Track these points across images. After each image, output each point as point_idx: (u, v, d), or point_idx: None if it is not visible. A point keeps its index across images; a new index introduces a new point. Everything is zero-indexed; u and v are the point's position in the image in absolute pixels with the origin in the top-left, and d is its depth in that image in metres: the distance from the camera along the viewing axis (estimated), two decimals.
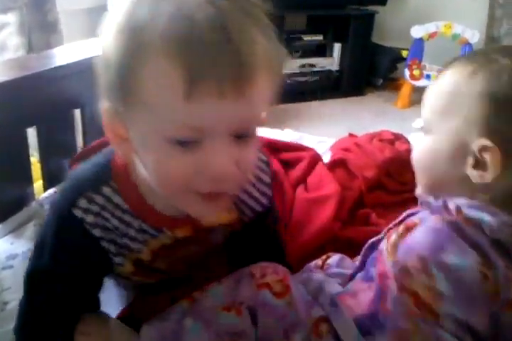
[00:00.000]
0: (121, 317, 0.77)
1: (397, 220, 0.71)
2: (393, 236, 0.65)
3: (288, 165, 1.28)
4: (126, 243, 0.66)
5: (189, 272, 0.80)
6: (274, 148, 1.32)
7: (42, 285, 0.66)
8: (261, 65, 0.50)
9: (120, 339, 0.69)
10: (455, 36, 2.96)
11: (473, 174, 0.61)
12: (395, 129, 2.64)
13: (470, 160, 0.61)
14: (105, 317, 0.71)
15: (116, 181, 0.63)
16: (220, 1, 0.49)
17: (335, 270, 0.81)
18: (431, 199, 0.65)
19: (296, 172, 1.24)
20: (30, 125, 1.02)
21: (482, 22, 3.19)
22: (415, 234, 0.61)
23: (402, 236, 0.63)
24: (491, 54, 0.63)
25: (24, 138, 0.99)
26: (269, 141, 1.34)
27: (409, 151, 1.41)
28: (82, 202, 0.62)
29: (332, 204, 1.08)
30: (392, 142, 1.48)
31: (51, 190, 1.05)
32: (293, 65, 2.94)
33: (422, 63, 3.02)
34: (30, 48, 1.54)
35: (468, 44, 2.97)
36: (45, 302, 0.66)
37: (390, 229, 0.71)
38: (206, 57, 0.46)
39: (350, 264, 0.84)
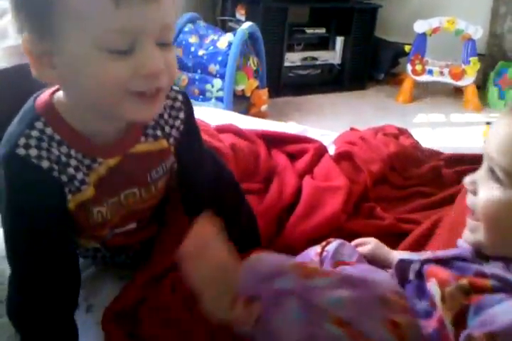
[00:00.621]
0: (114, 309, 0.76)
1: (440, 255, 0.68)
2: (452, 288, 0.60)
3: (293, 156, 1.27)
4: (72, 174, 0.69)
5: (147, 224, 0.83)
6: (279, 140, 1.30)
7: (21, 241, 0.68)
8: None
9: None
10: (458, 32, 2.94)
11: None
12: (397, 123, 2.60)
13: None
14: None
15: (44, 115, 0.68)
16: None
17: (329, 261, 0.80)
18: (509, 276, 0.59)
19: (301, 163, 1.24)
20: None
21: (485, 18, 3.17)
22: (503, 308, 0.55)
23: (468, 295, 0.58)
24: None
25: None
26: (273, 133, 1.33)
27: (413, 146, 1.42)
28: (21, 140, 0.66)
29: (341, 195, 1.08)
30: (396, 136, 1.47)
31: None
32: (295, 57, 2.92)
33: (425, 58, 3.00)
34: None
35: (471, 40, 2.95)
36: (30, 259, 0.68)
37: (428, 260, 0.67)
38: None
39: (351, 250, 0.84)
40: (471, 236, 0.66)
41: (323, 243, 0.85)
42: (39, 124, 0.67)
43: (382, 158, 1.30)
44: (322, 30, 2.99)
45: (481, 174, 0.64)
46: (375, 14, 3.04)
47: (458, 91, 3.12)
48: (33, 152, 0.65)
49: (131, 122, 0.72)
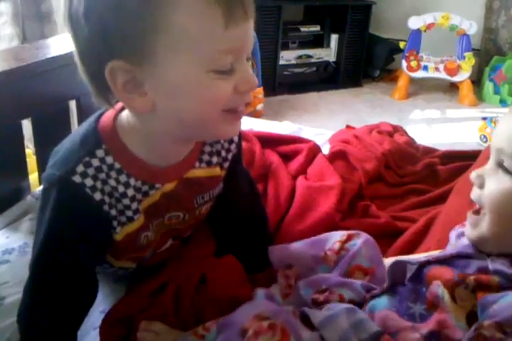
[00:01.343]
0: (115, 316, 0.76)
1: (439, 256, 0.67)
2: (461, 289, 0.60)
3: (287, 157, 1.27)
4: (127, 204, 0.67)
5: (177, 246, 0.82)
6: (272, 141, 1.31)
7: (46, 267, 0.67)
8: None
9: None
10: (453, 27, 2.95)
11: None
12: (393, 120, 2.63)
13: None
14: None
15: (107, 143, 0.65)
16: None
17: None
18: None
19: (295, 163, 1.23)
20: (25, 117, 1.00)
21: (479, 13, 3.18)
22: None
23: (474, 292, 0.58)
24: None
25: (19, 130, 0.97)
26: (266, 135, 1.33)
27: (408, 143, 1.42)
28: (80, 168, 0.63)
29: (334, 194, 1.07)
30: (391, 134, 1.47)
31: None
32: (290, 55, 2.92)
33: (420, 54, 3.01)
34: (24, 38, 1.52)
35: (466, 35, 2.96)
36: (50, 284, 0.67)
37: (427, 262, 0.66)
38: None
39: (373, 251, 0.80)
40: (473, 231, 0.65)
41: (344, 236, 0.82)
42: (100, 152, 0.65)
43: (376, 156, 1.30)
44: (316, 28, 2.99)
45: (488, 168, 0.64)
46: (369, 11, 3.04)
47: (453, 87, 3.13)
48: (89, 182, 0.63)
49: (208, 141, 0.74)
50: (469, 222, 0.66)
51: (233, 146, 0.79)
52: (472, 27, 2.93)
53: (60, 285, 0.67)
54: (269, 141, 1.30)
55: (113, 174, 0.65)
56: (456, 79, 3.02)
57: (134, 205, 0.68)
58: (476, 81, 3.17)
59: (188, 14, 0.55)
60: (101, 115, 0.68)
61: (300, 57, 2.96)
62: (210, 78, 0.58)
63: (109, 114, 0.68)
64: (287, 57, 2.91)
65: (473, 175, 0.65)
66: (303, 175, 1.17)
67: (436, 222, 1.04)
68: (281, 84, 2.92)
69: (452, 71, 3.00)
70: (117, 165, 0.65)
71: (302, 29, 2.94)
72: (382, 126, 1.55)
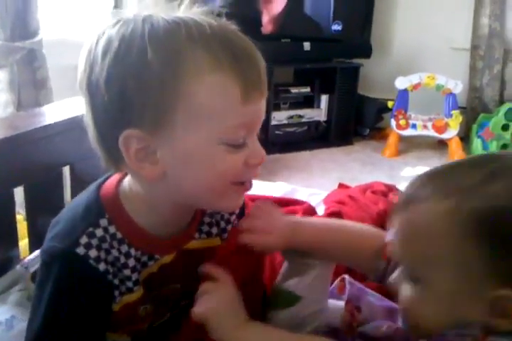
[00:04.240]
0: None
1: None
2: None
3: None
4: (127, 275, 0.65)
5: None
6: None
7: None
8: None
9: None
10: (439, 87, 3.03)
11: (498, 323, 0.51)
12: (384, 178, 2.66)
13: (485, 310, 0.51)
14: None
15: (110, 212, 0.65)
16: (226, 27, 0.61)
17: None
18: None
19: None
20: (18, 184, 0.99)
21: (464, 73, 3.28)
22: None
23: None
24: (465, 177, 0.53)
25: (11, 198, 0.96)
26: (260, 198, 1.33)
27: None
28: (83, 239, 0.62)
29: None
30: (385, 193, 1.47)
31: (37, 252, 1.00)
32: (282, 116, 2.98)
33: (408, 113, 3.08)
34: (19, 105, 1.54)
35: (452, 94, 3.04)
36: None
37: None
38: (250, 67, 0.59)
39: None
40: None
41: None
42: (104, 222, 0.64)
43: (371, 216, 1.29)
44: (307, 89, 3.07)
45: (395, 276, 0.61)
46: (357, 73, 3.14)
47: (442, 144, 3.18)
48: (93, 253, 0.62)
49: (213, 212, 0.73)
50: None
51: (233, 218, 0.77)
52: (458, 86, 3.02)
53: None
54: None
55: (115, 244, 0.64)
56: (444, 136, 3.07)
57: (135, 276, 0.66)
58: (465, 138, 3.22)
59: (210, 90, 0.57)
60: (102, 183, 0.68)
61: (291, 117, 3.02)
62: (222, 151, 0.60)
63: (111, 181, 0.68)
64: (279, 117, 2.97)
65: (391, 280, 0.62)
66: None
67: None
68: (273, 143, 2.95)
69: (440, 129, 3.06)
70: (119, 235, 0.65)
71: (293, 90, 3.01)
72: (375, 185, 1.55)
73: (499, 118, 3.09)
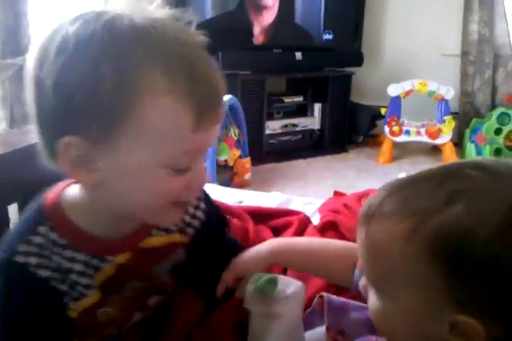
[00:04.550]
0: None
1: None
2: None
3: (278, 231, 1.26)
4: (75, 280, 0.65)
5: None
6: (263, 215, 1.30)
7: None
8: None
9: None
10: (430, 93, 3.05)
11: None
12: (379, 184, 2.65)
13: (446, 330, 0.50)
14: None
15: (51, 219, 0.64)
16: (191, 44, 0.57)
17: None
18: None
19: (286, 237, 1.22)
20: (12, 202, 0.99)
21: (455, 78, 3.31)
22: None
23: None
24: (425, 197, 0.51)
25: (5, 215, 0.96)
26: (257, 210, 1.33)
27: None
28: (22, 247, 0.62)
29: None
30: None
31: None
32: (275, 125, 2.99)
33: (401, 120, 3.10)
34: (12, 121, 1.55)
35: (444, 100, 3.06)
36: None
37: None
38: (207, 94, 0.56)
39: None
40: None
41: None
42: (43, 229, 0.63)
43: None
44: (300, 98, 3.09)
45: (364, 281, 0.60)
46: (350, 81, 3.16)
47: (436, 149, 3.19)
48: (33, 260, 0.62)
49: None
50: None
51: (199, 213, 0.77)
52: (449, 92, 3.04)
53: None
54: (260, 216, 1.29)
55: (58, 250, 0.63)
56: (438, 142, 3.09)
57: (84, 280, 0.65)
58: (458, 143, 3.24)
59: (161, 114, 0.55)
60: (46, 193, 0.67)
61: (285, 126, 3.04)
62: (164, 173, 0.58)
63: (56, 188, 0.67)
64: (273, 126, 2.98)
65: (360, 284, 0.62)
66: None
67: None
68: (268, 152, 2.96)
69: (434, 134, 3.08)
70: (62, 241, 0.63)
71: (286, 100, 3.03)
72: (370, 193, 1.55)
73: (492, 122, 3.11)
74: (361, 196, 1.52)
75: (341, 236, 1.25)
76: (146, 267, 0.72)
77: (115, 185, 0.59)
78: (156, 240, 0.72)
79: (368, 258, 0.55)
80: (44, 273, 0.62)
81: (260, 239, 1.20)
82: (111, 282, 0.68)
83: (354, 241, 1.22)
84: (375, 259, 0.54)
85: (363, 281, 0.60)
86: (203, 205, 0.77)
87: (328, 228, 1.27)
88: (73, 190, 0.66)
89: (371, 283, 0.56)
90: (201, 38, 0.59)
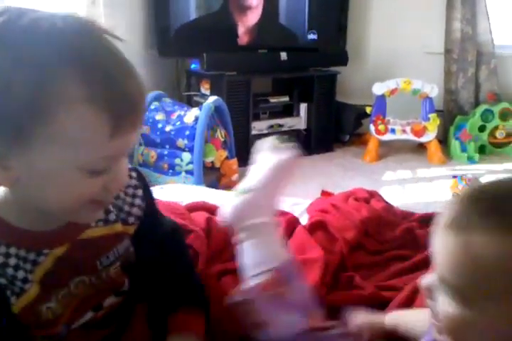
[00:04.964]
0: None
1: None
2: None
3: None
4: (12, 274, 0.65)
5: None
6: None
7: None
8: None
9: None
10: (415, 91, 3.08)
11: None
12: (366, 182, 2.69)
13: None
14: None
15: None
16: (104, 51, 0.57)
17: None
18: None
19: None
20: None
21: (439, 76, 3.34)
22: None
23: None
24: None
25: None
26: None
27: (385, 209, 1.43)
28: None
29: (317, 268, 1.06)
30: (367, 200, 1.49)
31: None
32: (262, 125, 3.00)
33: (386, 118, 3.12)
34: None
35: (429, 98, 3.09)
36: None
37: None
38: (124, 100, 0.56)
39: None
40: (440, 337, 0.62)
41: None
42: None
43: (355, 224, 1.30)
44: (285, 99, 3.09)
45: (434, 281, 0.60)
46: (335, 80, 3.17)
47: (422, 147, 3.22)
48: None
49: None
50: (434, 327, 0.63)
51: (137, 201, 0.78)
52: (434, 90, 3.07)
53: None
54: None
55: None
56: (423, 139, 3.12)
57: (21, 274, 0.66)
58: (443, 140, 3.27)
59: (77, 120, 0.54)
60: None
61: (271, 126, 3.04)
62: (80, 175, 0.58)
63: None
64: (259, 127, 2.98)
65: (422, 285, 0.62)
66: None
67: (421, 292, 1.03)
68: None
69: (419, 132, 3.10)
70: None
71: (272, 100, 3.03)
72: (358, 192, 1.57)
73: (476, 119, 3.16)
74: (349, 195, 1.54)
75: (330, 235, 1.26)
76: (89, 259, 0.72)
77: (30, 183, 0.59)
78: (97, 231, 0.72)
79: (461, 268, 0.54)
80: None
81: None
82: (51, 276, 0.68)
83: (343, 240, 1.23)
84: (472, 271, 0.53)
85: (430, 279, 0.60)
86: (140, 193, 0.78)
87: (316, 228, 1.28)
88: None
89: (455, 291, 0.55)
90: (117, 37, 0.60)
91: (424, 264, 1.16)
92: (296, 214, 1.38)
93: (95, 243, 0.72)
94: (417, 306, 0.98)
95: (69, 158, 0.57)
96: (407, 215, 1.44)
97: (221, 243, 1.15)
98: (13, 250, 0.65)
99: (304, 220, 1.34)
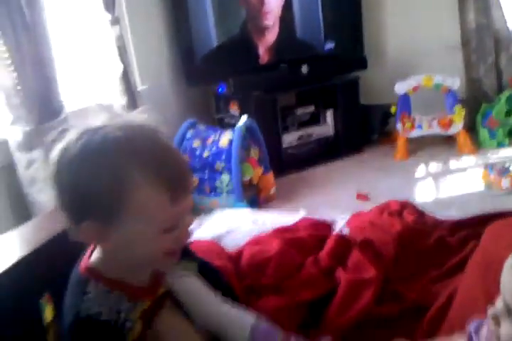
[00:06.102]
0: None
1: None
2: None
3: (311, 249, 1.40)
4: (123, 317, 0.81)
5: None
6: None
7: None
8: None
9: None
10: (437, 86, 3.11)
11: None
12: (398, 181, 2.76)
13: None
14: None
15: (91, 278, 0.84)
16: (157, 146, 0.80)
17: None
18: None
19: (324, 255, 1.36)
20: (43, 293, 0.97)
21: (460, 68, 3.36)
22: None
23: None
24: None
25: (37, 310, 0.94)
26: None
27: (416, 221, 1.53)
28: (82, 305, 0.80)
29: (372, 289, 1.19)
30: (400, 213, 1.59)
31: None
32: (292, 137, 3.10)
33: (412, 115, 3.16)
34: None
35: (451, 90, 3.12)
36: None
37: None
38: (176, 176, 0.79)
39: None
40: None
41: None
42: (90, 286, 0.83)
43: (393, 238, 1.41)
44: (311, 108, 3.18)
45: (500, 308, 0.70)
46: (357, 85, 3.22)
47: (451, 139, 3.23)
48: (93, 311, 0.80)
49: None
50: None
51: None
52: (455, 82, 3.08)
53: None
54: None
55: (106, 297, 0.82)
56: (450, 132, 3.14)
57: (130, 314, 0.82)
58: (470, 129, 3.28)
59: (145, 198, 0.76)
60: (78, 265, 0.87)
61: (301, 137, 3.13)
62: (156, 234, 0.79)
63: (84, 258, 0.87)
64: (289, 139, 3.08)
65: (489, 313, 0.72)
66: (340, 267, 1.30)
67: (456, 297, 1.14)
68: (288, 164, 3.07)
69: (445, 125, 3.14)
70: (106, 288, 0.82)
71: (298, 112, 3.13)
72: (391, 204, 1.66)
73: (501, 105, 3.15)
74: (383, 208, 1.64)
75: (375, 252, 1.37)
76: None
77: (124, 247, 0.81)
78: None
79: None
80: (104, 317, 0.80)
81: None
82: (147, 314, 0.85)
83: (388, 255, 1.33)
84: None
85: (499, 307, 0.71)
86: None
87: (366, 246, 1.37)
88: (95, 256, 0.86)
89: None
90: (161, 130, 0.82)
91: (458, 268, 1.27)
92: (336, 229, 1.52)
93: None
94: (451, 316, 1.10)
95: (148, 225, 0.78)
96: (437, 223, 1.54)
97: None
98: (120, 298, 0.83)
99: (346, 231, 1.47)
